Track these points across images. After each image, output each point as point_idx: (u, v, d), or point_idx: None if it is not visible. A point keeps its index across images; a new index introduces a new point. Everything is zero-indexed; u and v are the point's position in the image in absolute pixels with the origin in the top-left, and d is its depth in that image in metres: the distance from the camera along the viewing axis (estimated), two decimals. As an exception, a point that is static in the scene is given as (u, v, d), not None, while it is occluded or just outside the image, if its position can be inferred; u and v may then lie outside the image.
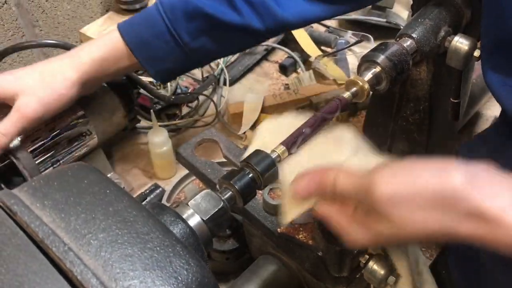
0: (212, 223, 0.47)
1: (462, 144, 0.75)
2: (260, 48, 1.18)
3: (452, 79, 0.72)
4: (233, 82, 1.13)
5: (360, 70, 0.65)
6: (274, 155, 0.54)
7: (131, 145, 1.01)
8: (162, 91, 1.02)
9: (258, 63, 1.18)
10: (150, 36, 0.72)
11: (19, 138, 0.77)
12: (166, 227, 0.40)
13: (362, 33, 1.21)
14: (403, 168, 0.43)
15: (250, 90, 1.12)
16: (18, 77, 0.71)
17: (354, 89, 0.62)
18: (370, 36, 1.19)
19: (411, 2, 0.80)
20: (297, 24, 0.75)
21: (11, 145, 0.76)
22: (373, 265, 0.58)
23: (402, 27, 1.15)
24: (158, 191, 0.89)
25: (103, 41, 0.74)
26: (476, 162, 0.42)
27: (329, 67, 1.12)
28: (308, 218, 0.68)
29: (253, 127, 1.02)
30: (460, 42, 0.67)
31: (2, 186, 0.77)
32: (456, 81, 0.72)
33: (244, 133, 1.01)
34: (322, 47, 1.19)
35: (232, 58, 1.15)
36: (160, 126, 0.92)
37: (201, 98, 1.07)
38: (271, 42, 1.18)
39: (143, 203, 0.88)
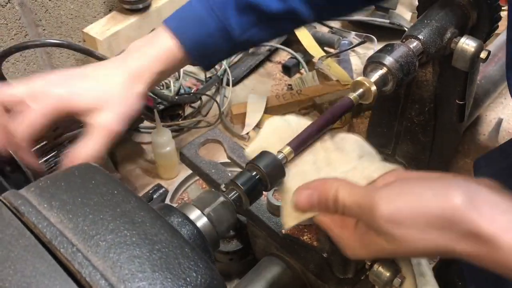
0: (219, 225, 0.47)
1: (481, 156, 0.74)
2: (263, 49, 1.18)
3: (457, 81, 0.72)
4: (236, 82, 1.12)
5: (366, 71, 0.65)
6: (280, 156, 0.54)
7: (134, 145, 1.01)
8: (165, 91, 1.02)
9: (261, 63, 1.17)
10: (204, 35, 0.71)
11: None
12: (174, 229, 0.40)
13: (365, 34, 1.21)
14: (404, 187, 0.44)
15: (253, 91, 1.12)
16: (97, 89, 0.65)
17: (360, 90, 0.62)
18: (374, 37, 1.19)
19: (415, 4, 0.80)
20: (347, 11, 0.78)
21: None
22: (379, 267, 0.57)
23: (405, 28, 1.18)
24: (161, 191, 0.89)
25: (160, 49, 0.70)
26: (478, 180, 0.43)
27: (332, 68, 1.12)
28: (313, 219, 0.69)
29: (256, 127, 1.02)
30: (466, 44, 0.67)
31: (4, 183, 0.77)
32: (462, 82, 0.71)
33: (247, 133, 1.01)
34: (325, 48, 1.19)
35: (235, 58, 1.15)
36: (163, 126, 0.92)
37: (204, 98, 1.07)
38: (274, 42, 1.17)
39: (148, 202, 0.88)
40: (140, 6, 1.10)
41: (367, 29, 1.23)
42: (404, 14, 1.29)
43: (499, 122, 1.02)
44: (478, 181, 0.43)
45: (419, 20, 0.70)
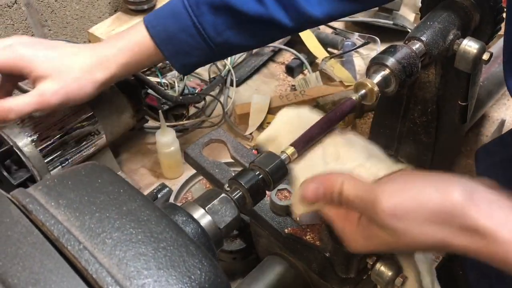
0: (222, 223, 0.48)
1: (481, 147, 0.75)
2: (267, 49, 1.18)
3: (460, 82, 0.72)
4: (240, 83, 1.12)
5: (369, 72, 0.66)
6: (283, 156, 0.54)
7: (139, 145, 1.01)
8: (169, 92, 1.02)
9: (264, 64, 1.17)
10: (176, 30, 0.71)
11: (30, 138, 0.78)
12: (179, 227, 0.40)
13: (369, 35, 1.21)
14: (407, 183, 0.46)
15: (257, 91, 1.12)
16: (49, 58, 0.69)
17: (363, 91, 0.62)
18: (377, 38, 1.19)
19: (418, 5, 0.80)
20: (323, 20, 0.74)
21: (20, 143, 0.77)
22: (381, 267, 0.58)
23: (409, 30, 1.18)
24: (165, 190, 0.89)
25: (130, 41, 0.73)
26: (478, 180, 0.44)
27: (336, 69, 1.12)
28: (315, 219, 0.68)
29: (260, 128, 1.02)
30: (469, 46, 0.67)
31: (5, 173, 0.78)
32: (464, 84, 0.72)
33: (251, 133, 1.01)
34: (329, 49, 1.19)
35: (239, 59, 1.15)
36: (167, 126, 0.92)
37: (208, 98, 1.07)
38: (277, 43, 1.17)
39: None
40: (145, 6, 1.11)
41: (371, 30, 1.22)
42: (408, 15, 1.30)
43: (502, 123, 1.02)
44: (478, 181, 0.44)
45: (422, 22, 0.71)
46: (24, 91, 0.82)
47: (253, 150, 0.94)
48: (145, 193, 0.91)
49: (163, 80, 1.04)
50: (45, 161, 0.80)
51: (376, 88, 0.62)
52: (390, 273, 0.57)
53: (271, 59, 1.19)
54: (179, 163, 0.94)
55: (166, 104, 1.00)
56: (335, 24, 1.27)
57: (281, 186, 0.68)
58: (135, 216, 0.39)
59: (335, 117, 0.60)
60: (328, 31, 1.25)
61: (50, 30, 1.11)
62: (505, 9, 0.63)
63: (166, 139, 0.90)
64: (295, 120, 0.61)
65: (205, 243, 0.43)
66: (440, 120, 0.77)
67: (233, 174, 0.73)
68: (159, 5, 1.14)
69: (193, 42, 0.72)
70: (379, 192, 0.45)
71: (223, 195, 0.50)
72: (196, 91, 1.05)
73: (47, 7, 1.07)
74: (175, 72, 1.06)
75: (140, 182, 0.94)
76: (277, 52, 1.20)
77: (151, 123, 1.01)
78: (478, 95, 0.88)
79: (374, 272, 0.58)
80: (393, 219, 0.44)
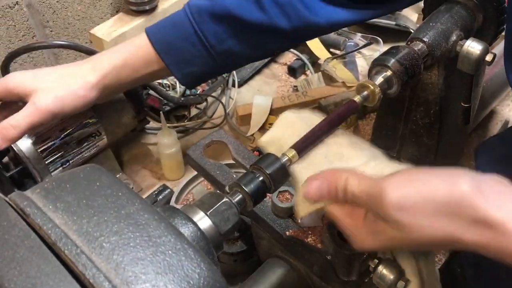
0: (222, 226, 0.47)
1: (481, 143, 0.75)
2: None
3: (463, 84, 0.72)
4: (241, 84, 1.12)
5: (371, 73, 0.65)
6: (284, 159, 0.54)
7: (140, 146, 1.01)
8: (171, 93, 1.02)
9: (266, 65, 1.17)
10: (177, 38, 0.71)
11: (30, 140, 0.77)
12: (177, 230, 0.40)
13: (371, 36, 1.20)
14: (412, 175, 0.44)
15: (259, 92, 1.12)
16: (38, 75, 0.70)
17: (365, 93, 0.62)
18: (379, 39, 1.19)
19: (421, 5, 0.80)
20: (326, 28, 0.73)
21: (23, 147, 0.76)
22: (383, 270, 0.57)
23: (411, 30, 1.17)
24: (166, 192, 0.89)
25: (127, 46, 0.73)
26: (484, 171, 0.43)
27: (338, 70, 1.11)
28: (317, 221, 0.68)
29: (262, 129, 1.02)
30: (472, 47, 0.67)
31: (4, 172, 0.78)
32: (467, 85, 0.71)
33: (252, 135, 1.01)
34: (331, 50, 1.18)
35: None
36: (169, 127, 0.92)
37: (209, 99, 1.07)
38: None
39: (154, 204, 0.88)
40: (147, 7, 1.10)
41: (373, 31, 1.22)
42: (410, 16, 1.29)
43: (506, 124, 1.02)
44: (485, 174, 0.43)
45: (425, 23, 0.70)
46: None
47: (255, 152, 0.94)
48: (146, 194, 0.91)
49: (165, 81, 1.04)
50: (46, 162, 0.80)
51: (378, 90, 0.61)
52: (392, 276, 0.57)
53: (273, 59, 1.19)
54: (180, 165, 0.94)
55: (168, 105, 1.00)
56: (338, 24, 1.26)
57: (282, 188, 0.67)
58: (134, 220, 0.39)
59: (336, 119, 0.60)
60: (331, 31, 1.24)
61: (51, 31, 1.10)
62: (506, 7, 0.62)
63: (167, 141, 0.90)
64: (297, 122, 0.61)
65: (204, 247, 0.43)
66: (442, 122, 0.76)
67: (234, 176, 0.74)
68: (161, 5, 1.14)
69: (194, 51, 0.71)
70: (385, 186, 0.43)
71: (223, 198, 0.49)
72: (198, 92, 1.05)
73: (49, 8, 1.07)
74: None
75: (141, 184, 0.94)
76: (279, 52, 1.18)
77: (152, 124, 1.01)
78: (481, 96, 0.87)
79: (376, 275, 0.58)
80: (400, 212, 0.42)
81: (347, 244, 0.60)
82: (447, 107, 0.76)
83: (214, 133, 0.79)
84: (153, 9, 1.12)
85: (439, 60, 0.70)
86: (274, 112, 1.03)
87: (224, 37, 0.71)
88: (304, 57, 1.16)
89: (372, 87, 0.61)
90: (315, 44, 1.16)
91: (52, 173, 0.82)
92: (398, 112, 0.79)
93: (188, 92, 1.04)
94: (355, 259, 0.60)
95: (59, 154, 0.82)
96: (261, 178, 0.51)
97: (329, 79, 1.12)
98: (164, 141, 0.90)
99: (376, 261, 0.58)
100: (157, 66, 0.73)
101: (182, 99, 1.01)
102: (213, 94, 1.06)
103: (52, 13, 1.08)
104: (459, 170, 0.43)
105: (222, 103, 1.05)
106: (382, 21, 1.22)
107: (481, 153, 0.70)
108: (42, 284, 0.36)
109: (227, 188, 0.73)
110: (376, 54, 1.16)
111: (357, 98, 0.61)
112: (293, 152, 0.55)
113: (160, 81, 1.03)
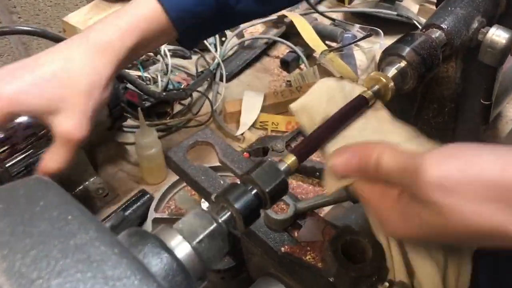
0: (206, 253, 0.38)
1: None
2: (260, 42, 1.14)
3: (483, 78, 0.65)
4: (230, 78, 1.08)
5: (382, 65, 0.57)
6: (283, 167, 0.45)
7: (117, 146, 0.95)
8: (152, 87, 0.97)
9: (257, 58, 1.13)
10: (193, 3, 0.63)
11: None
12: (144, 268, 0.30)
13: (371, 27, 1.16)
14: (458, 150, 0.38)
15: (249, 87, 1.08)
16: (53, 80, 0.55)
17: (376, 87, 0.54)
18: (380, 31, 1.14)
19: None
20: None
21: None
22: (394, 293, 0.51)
23: (414, 22, 1.10)
24: (145, 198, 0.84)
25: (136, 17, 0.60)
26: None
27: (335, 63, 1.06)
28: (317, 235, 0.62)
29: (252, 127, 0.97)
30: (497, 35, 0.60)
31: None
32: (489, 80, 0.64)
33: (242, 134, 0.96)
34: (327, 42, 1.15)
35: (229, 51, 1.11)
36: (149, 125, 0.86)
37: (195, 95, 1.02)
38: (272, 35, 1.14)
39: (130, 211, 0.82)
40: (125, -7, 1.02)
41: (372, 22, 1.18)
42: (411, 7, 1.25)
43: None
44: None
45: (441, 7, 0.63)
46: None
47: (245, 153, 0.88)
48: (124, 200, 0.85)
49: (145, 74, 0.98)
50: (7, 165, 0.72)
51: (391, 84, 0.53)
52: (404, 301, 0.50)
53: (264, 52, 1.15)
54: (161, 167, 0.89)
55: (148, 101, 0.95)
56: (334, 15, 1.23)
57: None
58: (86, 254, 0.29)
59: (342, 118, 0.51)
60: (326, 22, 1.21)
61: (20, 17, 1.01)
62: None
63: (146, 141, 0.84)
64: (337, 90, 0.55)
65: (181, 283, 0.34)
66: (458, 121, 0.70)
67: (221, 182, 0.67)
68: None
69: (209, 14, 0.65)
70: (424, 160, 0.38)
71: (207, 217, 0.40)
72: (182, 86, 1.00)
73: (16, -8, 0.98)
74: (158, 65, 1.00)
75: (118, 188, 0.89)
76: (271, 44, 1.15)
77: (131, 121, 0.97)
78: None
79: (386, 300, 0.51)
80: (440, 193, 0.37)
81: (353, 264, 0.54)
82: (464, 104, 0.69)
83: (199, 133, 0.74)
84: (132, -5, 1.04)
85: (457, 50, 0.62)
86: (266, 109, 0.99)
87: None
88: (298, 50, 1.11)
89: (384, 80, 0.53)
90: (310, 36, 1.12)
91: (16, 178, 0.74)
92: (407, 110, 0.73)
93: (171, 86, 0.99)
94: (362, 282, 0.54)
95: (22, 156, 0.75)
96: (254, 192, 0.42)
97: (326, 73, 1.07)
98: (142, 141, 0.84)
99: (387, 284, 0.52)
100: (168, 34, 0.65)
101: (164, 94, 0.96)
102: (199, 89, 1.02)
103: (20, -3, 0.99)
104: None
105: (208, 98, 1.00)
106: (382, 11, 1.18)
107: None
108: None
109: (213, 197, 0.65)
110: (376, 47, 1.11)
111: (366, 94, 0.53)
112: (293, 158, 0.46)
113: (140, 73, 0.97)
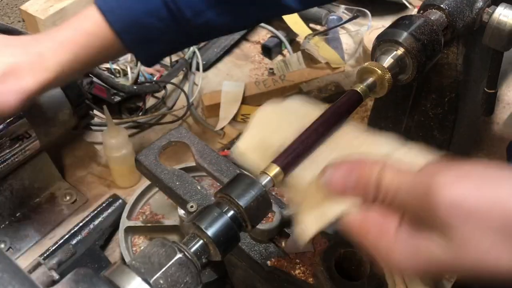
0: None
1: None
2: None
3: (487, 64, 0.60)
4: (207, 67, 1.04)
5: (376, 54, 0.52)
6: (265, 181, 0.38)
7: (85, 147, 0.90)
8: (121, 80, 0.91)
9: (236, 44, 1.09)
10: (141, 14, 0.61)
11: None
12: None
13: (357, 8, 1.11)
14: (477, 172, 0.34)
15: (228, 77, 1.04)
16: None
17: (370, 79, 0.48)
18: (367, 12, 1.09)
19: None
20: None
21: None
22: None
23: (404, 1, 1.04)
24: (117, 204, 0.78)
25: (76, 31, 0.60)
26: None
27: (321, 48, 1.02)
28: (307, 245, 0.58)
29: (233, 121, 0.93)
30: (505, 15, 0.56)
31: None
32: (494, 66, 0.60)
33: (222, 129, 0.91)
34: (311, 25, 1.10)
35: None
36: (118, 123, 0.82)
37: (169, 87, 0.98)
38: None
39: (100, 219, 0.77)
40: (88, -23, 0.95)
41: (359, 3, 1.14)
42: None
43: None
44: None
45: (441, -15, 0.56)
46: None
47: (225, 150, 0.82)
48: (93, 206, 0.79)
49: (114, 66, 0.92)
50: None
51: (388, 75, 0.47)
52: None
53: (244, 37, 1.10)
54: (133, 169, 0.81)
55: (118, 95, 0.90)
56: (318, -5, 1.15)
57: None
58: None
59: (334, 116, 0.45)
60: (310, 3, 1.13)
61: (-27, 7, 0.93)
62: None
63: (114, 141, 0.78)
64: (281, 116, 0.47)
65: None
66: (459, 112, 0.66)
67: (198, 188, 0.64)
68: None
69: (162, 27, 0.62)
70: (436, 180, 0.34)
71: (174, 251, 0.32)
72: (155, 78, 0.96)
73: (-33, -22, 0.90)
74: (128, 56, 0.94)
75: (87, 193, 0.84)
76: (251, 29, 1.11)
77: (100, 119, 0.91)
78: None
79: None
80: (454, 217, 0.33)
81: (349, 281, 0.51)
82: (466, 94, 0.64)
83: (173, 132, 0.69)
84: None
85: (459, 34, 0.56)
86: (247, 100, 0.95)
87: (202, 9, 0.63)
88: (280, 34, 1.07)
89: (380, 72, 0.47)
90: (292, 19, 1.07)
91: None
92: (402, 101, 0.68)
93: (142, 78, 0.94)
94: (359, 301, 0.51)
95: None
96: (231, 214, 0.35)
97: (310, 59, 1.03)
98: (111, 141, 0.78)
99: (387, 306, 0.50)
100: (115, 49, 0.63)
101: (135, 87, 0.90)
102: (173, 80, 0.98)
103: (-29, -16, 0.92)
104: None
105: (183, 91, 0.96)
106: (370, -9, 1.12)
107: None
108: None
109: (189, 206, 0.60)
110: (364, 29, 1.07)
111: (359, 88, 0.46)
112: (277, 168, 0.39)
113: (108, 65, 0.92)
